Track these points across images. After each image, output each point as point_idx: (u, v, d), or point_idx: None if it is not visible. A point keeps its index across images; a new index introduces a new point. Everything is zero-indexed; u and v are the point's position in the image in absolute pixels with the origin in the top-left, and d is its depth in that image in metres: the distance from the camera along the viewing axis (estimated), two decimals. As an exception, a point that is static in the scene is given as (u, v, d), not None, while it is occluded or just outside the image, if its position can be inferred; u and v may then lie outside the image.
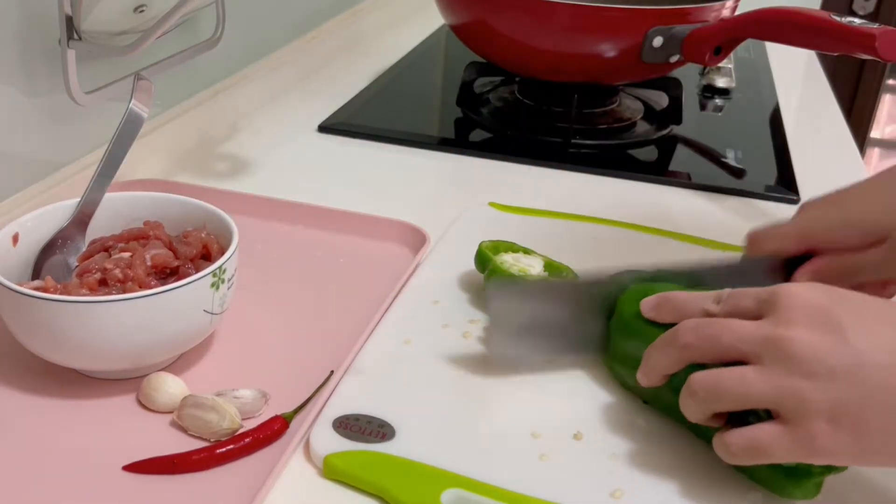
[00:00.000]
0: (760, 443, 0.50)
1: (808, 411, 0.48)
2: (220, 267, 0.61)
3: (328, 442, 0.57)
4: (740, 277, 0.65)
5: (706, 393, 0.52)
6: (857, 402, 0.47)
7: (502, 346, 0.65)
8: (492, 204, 0.90)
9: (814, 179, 1.01)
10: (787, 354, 0.49)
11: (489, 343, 0.68)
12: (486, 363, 0.66)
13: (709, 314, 0.55)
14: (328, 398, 0.61)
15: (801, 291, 0.51)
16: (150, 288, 0.59)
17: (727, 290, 0.56)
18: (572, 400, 0.63)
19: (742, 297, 0.54)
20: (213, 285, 0.61)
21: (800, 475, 0.52)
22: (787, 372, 0.49)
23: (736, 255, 0.70)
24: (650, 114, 1.18)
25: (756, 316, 0.52)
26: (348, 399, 0.61)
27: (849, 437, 0.48)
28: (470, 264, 0.76)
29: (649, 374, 0.57)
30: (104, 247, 0.66)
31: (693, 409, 0.53)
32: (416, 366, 0.65)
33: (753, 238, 0.67)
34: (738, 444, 0.51)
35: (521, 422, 0.60)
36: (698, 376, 0.53)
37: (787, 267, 0.65)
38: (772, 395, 0.49)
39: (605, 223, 0.87)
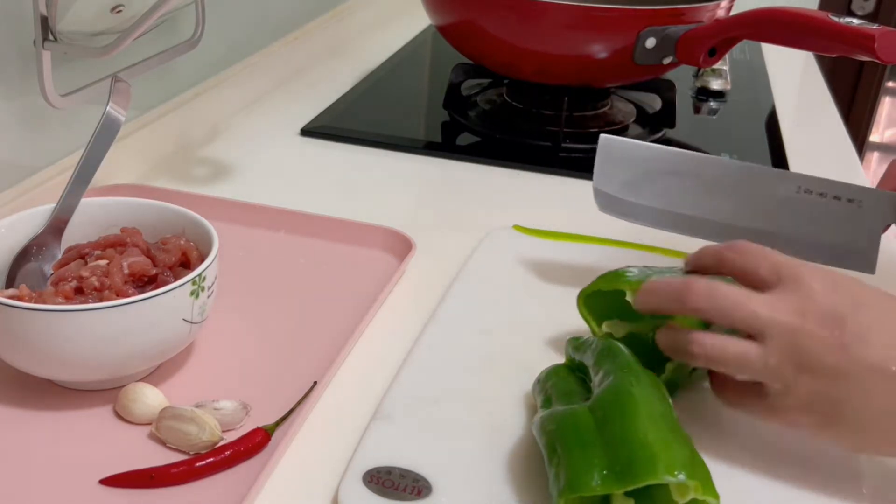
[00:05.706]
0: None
1: (789, 401, 0.53)
2: (199, 275, 0.60)
3: (358, 499, 0.53)
4: None
5: (706, 359, 0.55)
6: (837, 398, 0.52)
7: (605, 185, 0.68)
8: (516, 227, 0.85)
9: (810, 184, 1.00)
10: (792, 345, 0.52)
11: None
12: (531, 405, 0.61)
13: (722, 261, 0.58)
14: (357, 446, 0.57)
15: (822, 292, 0.53)
16: (128, 296, 0.59)
17: (744, 244, 0.57)
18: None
19: (760, 262, 0.56)
20: (192, 293, 0.60)
21: None
22: (785, 359, 0.52)
23: None
24: (643, 117, 1.17)
25: (766, 285, 0.55)
26: (379, 448, 0.57)
27: (818, 420, 0.54)
28: (499, 296, 0.74)
29: (644, 306, 0.59)
30: (80, 254, 0.66)
31: (683, 359, 0.57)
32: (453, 411, 0.61)
33: None
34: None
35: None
36: (702, 340, 0.55)
37: None
38: (764, 375, 0.54)
39: (645, 249, 0.82)
